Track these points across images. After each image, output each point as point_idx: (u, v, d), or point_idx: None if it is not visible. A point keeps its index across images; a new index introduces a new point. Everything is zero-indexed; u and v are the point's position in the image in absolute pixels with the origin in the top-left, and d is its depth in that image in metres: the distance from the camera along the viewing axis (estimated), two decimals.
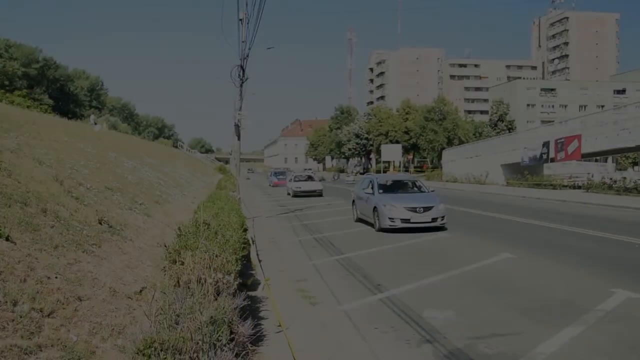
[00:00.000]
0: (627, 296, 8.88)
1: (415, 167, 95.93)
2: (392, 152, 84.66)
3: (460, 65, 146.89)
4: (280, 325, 6.41)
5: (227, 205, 12.54)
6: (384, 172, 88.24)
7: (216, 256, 6.16)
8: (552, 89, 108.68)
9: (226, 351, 4.40)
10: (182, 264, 5.90)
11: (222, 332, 4.51)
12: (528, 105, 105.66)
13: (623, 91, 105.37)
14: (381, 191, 19.41)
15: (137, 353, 3.90)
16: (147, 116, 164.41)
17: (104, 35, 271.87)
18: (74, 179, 11.89)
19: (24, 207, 7.81)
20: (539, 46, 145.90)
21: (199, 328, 4.37)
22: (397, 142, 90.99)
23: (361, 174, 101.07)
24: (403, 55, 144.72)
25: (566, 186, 45.25)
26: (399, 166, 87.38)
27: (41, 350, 4.91)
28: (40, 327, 5.24)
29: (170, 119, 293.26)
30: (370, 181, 20.65)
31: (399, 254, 13.80)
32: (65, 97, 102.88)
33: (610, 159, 79.62)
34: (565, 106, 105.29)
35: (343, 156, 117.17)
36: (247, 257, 10.25)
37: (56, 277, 6.30)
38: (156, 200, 16.30)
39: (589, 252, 13.62)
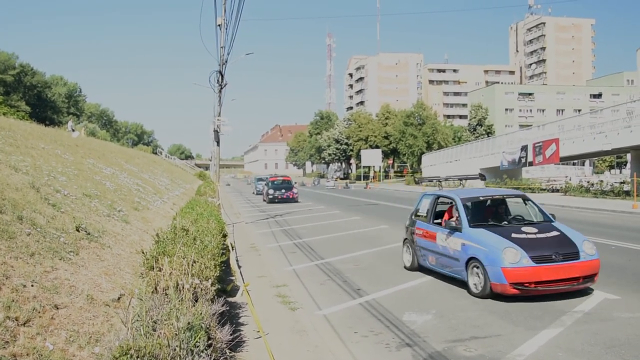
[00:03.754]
0: (604, 297, 9.00)
1: (395, 172, 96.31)
2: (372, 157, 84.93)
3: (439, 70, 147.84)
4: (259, 331, 6.39)
5: (206, 211, 12.49)
6: (365, 177, 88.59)
7: (194, 262, 6.13)
8: (530, 94, 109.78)
9: (204, 357, 4.38)
10: (160, 270, 5.87)
11: (200, 338, 4.49)
12: (506, 109, 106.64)
13: (599, 95, 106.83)
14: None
15: None
16: (126, 123, 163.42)
17: (82, 41, 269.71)
18: (51, 186, 11.75)
19: None
20: (517, 51, 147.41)
21: (176, 334, 4.34)
22: (377, 147, 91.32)
23: (341, 179, 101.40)
24: (382, 60, 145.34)
25: (544, 189, 45.75)
26: (379, 171, 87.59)
27: None
28: (16, 336, 5.17)
29: (149, 126, 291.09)
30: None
31: (384, 262, 13.81)
32: (43, 104, 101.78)
33: (587, 162, 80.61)
34: (543, 110, 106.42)
35: (323, 161, 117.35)
36: (226, 263, 10.21)
37: (32, 285, 6.21)
38: (135, 207, 16.16)
39: None
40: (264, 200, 40.61)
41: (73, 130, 39.95)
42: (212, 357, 4.65)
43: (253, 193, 53.82)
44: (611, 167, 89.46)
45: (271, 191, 39.30)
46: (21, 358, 4.90)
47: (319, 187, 71.66)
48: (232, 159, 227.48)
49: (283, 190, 39.29)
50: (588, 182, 42.74)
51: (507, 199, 11.31)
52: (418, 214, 11.98)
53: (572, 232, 9.66)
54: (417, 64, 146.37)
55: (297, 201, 38.50)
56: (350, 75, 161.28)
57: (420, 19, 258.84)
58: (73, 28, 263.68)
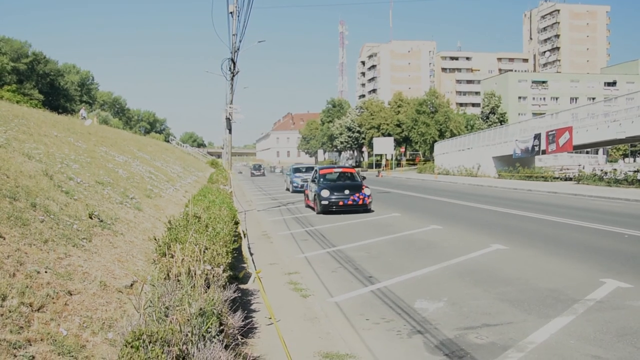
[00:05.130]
0: (617, 286, 8.95)
1: (407, 160, 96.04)
2: (384, 145, 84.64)
3: (452, 58, 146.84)
4: (271, 318, 6.41)
5: (218, 198, 12.53)
6: (377, 165, 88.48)
7: (206, 249, 6.15)
8: (544, 82, 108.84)
9: (215, 342, 4.39)
10: (172, 256, 5.89)
11: (212, 323, 4.51)
12: (519, 97, 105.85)
13: (613, 83, 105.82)
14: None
15: (126, 345, 3.88)
16: (139, 111, 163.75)
17: (94, 29, 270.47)
18: (64, 173, 11.81)
19: (13, 201, 7.76)
20: (530, 38, 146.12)
21: (188, 320, 4.36)
22: (389, 135, 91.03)
23: (353, 167, 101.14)
24: (395, 48, 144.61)
25: (557, 178, 45.50)
26: (392, 159, 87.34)
27: (31, 345, 4.89)
28: (30, 322, 5.21)
29: (161, 114, 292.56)
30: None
31: (401, 250, 13.80)
32: (56, 92, 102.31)
33: (601, 150, 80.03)
34: (557, 98, 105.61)
35: (335, 149, 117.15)
36: (238, 250, 10.25)
37: (46, 272, 6.26)
38: (147, 195, 16.23)
39: (579, 242, 13.69)
40: (309, 207, 24.48)
41: (85, 118, 40.16)
42: (224, 343, 4.67)
43: (287, 189, 38.83)
44: (625, 155, 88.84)
45: (326, 193, 21.83)
46: (35, 343, 4.95)
47: None
48: (244, 147, 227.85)
49: (347, 192, 21.96)
50: (601, 170, 42.50)
51: None
52: None
53: None
54: (429, 52, 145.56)
55: (370, 210, 22.12)
56: (363, 63, 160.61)
57: (433, 6, 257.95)
58: (85, 16, 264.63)
